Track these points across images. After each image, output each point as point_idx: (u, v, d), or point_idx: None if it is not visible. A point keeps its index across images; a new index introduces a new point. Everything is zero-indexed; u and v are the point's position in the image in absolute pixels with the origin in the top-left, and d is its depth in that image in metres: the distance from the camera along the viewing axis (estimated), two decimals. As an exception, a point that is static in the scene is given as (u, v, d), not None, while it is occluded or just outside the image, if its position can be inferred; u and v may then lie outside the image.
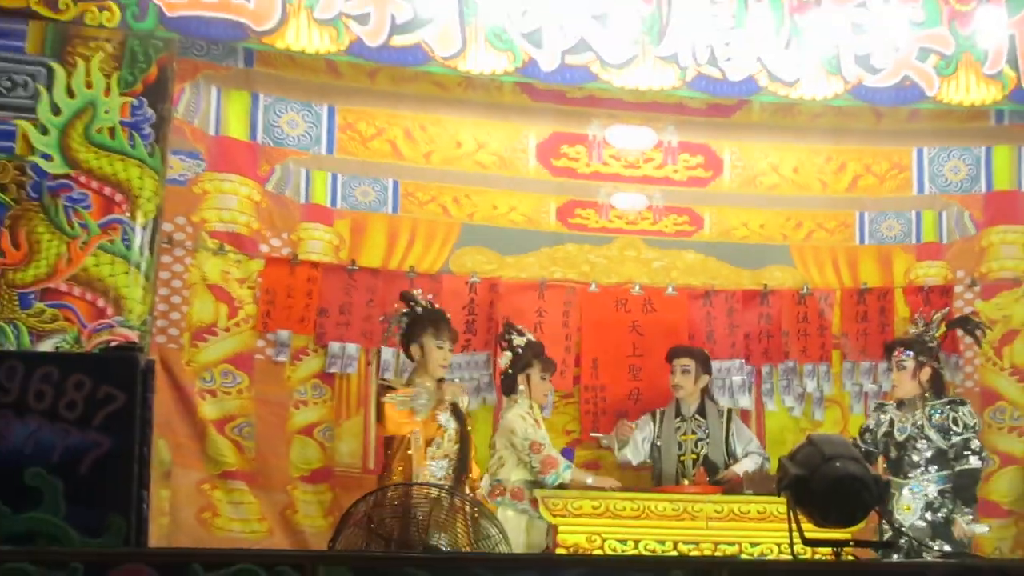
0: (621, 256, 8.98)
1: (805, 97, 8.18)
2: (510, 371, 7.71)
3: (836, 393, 8.64)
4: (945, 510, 7.36)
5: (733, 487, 7.57)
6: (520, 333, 7.84)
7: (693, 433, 8.06)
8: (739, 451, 8.03)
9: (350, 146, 8.60)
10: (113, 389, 4.09)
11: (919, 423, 7.54)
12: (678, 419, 8.08)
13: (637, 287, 8.87)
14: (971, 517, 7.50)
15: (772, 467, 7.73)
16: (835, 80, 8.10)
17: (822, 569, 3.98)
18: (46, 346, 6.84)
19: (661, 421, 8.08)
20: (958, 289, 8.91)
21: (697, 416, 8.11)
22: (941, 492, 7.35)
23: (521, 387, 7.69)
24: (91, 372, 4.11)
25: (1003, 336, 8.82)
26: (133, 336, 6.94)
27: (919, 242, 9.12)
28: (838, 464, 4.11)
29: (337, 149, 8.56)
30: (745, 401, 8.83)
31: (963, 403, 7.85)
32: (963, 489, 7.48)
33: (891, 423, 7.59)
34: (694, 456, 8.00)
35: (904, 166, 9.15)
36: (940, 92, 8.16)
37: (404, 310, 7.56)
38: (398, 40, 7.56)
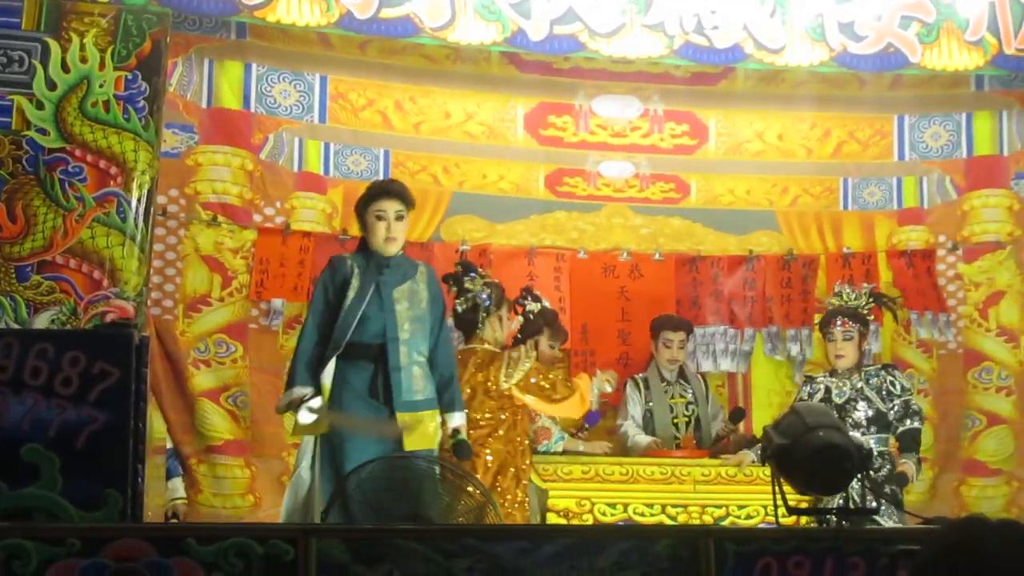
0: (609, 223, 8.96)
1: (791, 64, 8.17)
2: (519, 336, 7.68)
3: (819, 356, 8.61)
4: (885, 470, 7.36)
5: (723, 448, 7.61)
6: (536, 299, 7.77)
7: (682, 397, 8.07)
8: (711, 412, 8.07)
9: (342, 116, 8.58)
10: (108, 365, 4.08)
11: (857, 386, 7.52)
12: (663, 383, 8.09)
13: (625, 254, 8.87)
14: (911, 462, 7.47)
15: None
16: (820, 47, 8.08)
17: (806, 536, 3.99)
18: (43, 318, 6.84)
19: (647, 386, 8.08)
20: (940, 253, 8.90)
21: (681, 380, 8.12)
22: (880, 454, 7.33)
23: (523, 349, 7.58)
24: (86, 348, 4.10)
25: (987, 298, 8.85)
26: (129, 307, 6.93)
27: (900, 207, 9.11)
28: (821, 433, 4.11)
29: (329, 119, 8.54)
30: (727, 365, 8.83)
31: (895, 367, 7.90)
32: (909, 446, 7.47)
33: (827, 390, 7.55)
34: (686, 419, 8.01)
35: (886, 132, 9.15)
36: (923, 58, 8.14)
37: (527, 309, 7.64)
38: (387, 12, 7.52)
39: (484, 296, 7.14)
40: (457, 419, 6.23)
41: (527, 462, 7.04)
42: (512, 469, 6.90)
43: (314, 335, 6.13)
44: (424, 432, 6.04)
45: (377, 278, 6.17)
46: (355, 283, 6.17)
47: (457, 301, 7.14)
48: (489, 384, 6.96)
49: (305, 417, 5.96)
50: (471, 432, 6.58)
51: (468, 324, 7.15)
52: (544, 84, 8.77)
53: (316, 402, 5.97)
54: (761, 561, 3.78)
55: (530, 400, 7.03)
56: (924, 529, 4.42)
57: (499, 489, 6.71)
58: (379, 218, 6.20)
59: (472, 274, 7.21)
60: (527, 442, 7.11)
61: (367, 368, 6.09)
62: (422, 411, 6.09)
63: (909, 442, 7.45)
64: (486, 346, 7.12)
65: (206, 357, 8.03)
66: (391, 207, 6.20)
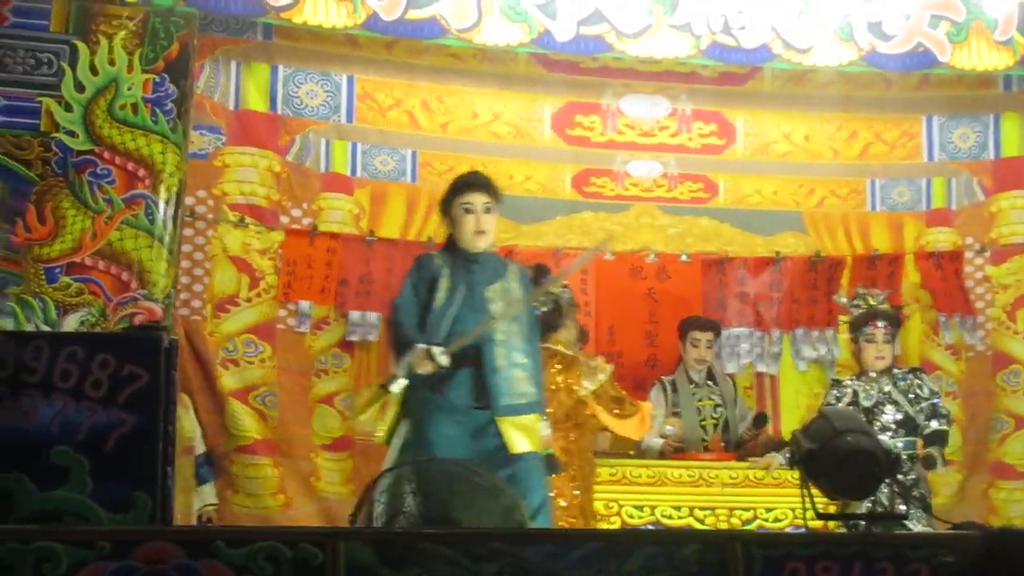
0: (637, 223, 8.95)
1: (819, 64, 8.14)
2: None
3: (846, 357, 8.57)
4: (913, 474, 7.33)
5: (750, 450, 7.59)
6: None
7: (710, 399, 8.05)
8: (739, 414, 8.06)
9: (369, 116, 8.58)
10: (137, 368, 4.09)
11: (885, 390, 7.48)
12: (691, 386, 8.07)
13: (652, 255, 8.86)
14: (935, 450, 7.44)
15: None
16: (848, 47, 8.05)
17: (834, 540, 3.99)
18: (72, 319, 6.87)
19: (675, 390, 8.06)
20: (968, 255, 8.88)
21: (709, 383, 8.11)
22: (909, 457, 7.30)
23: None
24: (116, 351, 4.11)
25: (1015, 300, 8.82)
26: (157, 309, 6.97)
27: (929, 209, 9.09)
28: (849, 438, 4.12)
29: (356, 119, 8.55)
30: (761, 366, 8.84)
31: (923, 371, 7.87)
32: (933, 442, 7.42)
33: (854, 393, 7.51)
34: (714, 421, 8.00)
35: (914, 133, 9.12)
36: (952, 58, 8.10)
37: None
38: (414, 13, 7.53)
39: (567, 298, 7.16)
40: (544, 428, 6.00)
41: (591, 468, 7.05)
42: (573, 472, 6.89)
43: (414, 316, 5.86)
44: (533, 434, 5.84)
45: (467, 277, 5.94)
46: (444, 283, 5.93)
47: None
48: (573, 387, 6.96)
49: (445, 360, 5.69)
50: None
51: (547, 326, 7.01)
52: (571, 83, 8.77)
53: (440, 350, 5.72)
54: (789, 566, 3.77)
55: (599, 411, 7.01)
56: (953, 535, 4.41)
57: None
58: (467, 211, 5.97)
59: (550, 275, 7.17)
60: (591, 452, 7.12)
61: (464, 371, 5.83)
62: (524, 415, 5.85)
63: (934, 439, 7.41)
64: (561, 348, 7.11)
65: (234, 357, 8.05)
66: (478, 199, 5.99)
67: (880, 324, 7.52)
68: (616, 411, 7.05)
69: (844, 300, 8.02)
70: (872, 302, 7.69)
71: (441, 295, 5.89)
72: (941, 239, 9.00)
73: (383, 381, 5.92)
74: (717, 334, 8.24)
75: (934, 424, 7.43)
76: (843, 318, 8.42)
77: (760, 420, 7.84)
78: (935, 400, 7.50)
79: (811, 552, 3.81)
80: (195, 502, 7.54)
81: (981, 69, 8.17)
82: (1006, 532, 2.45)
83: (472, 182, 6.13)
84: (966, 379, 8.89)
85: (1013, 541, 2.38)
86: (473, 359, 5.83)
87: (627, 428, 7.18)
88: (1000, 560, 2.35)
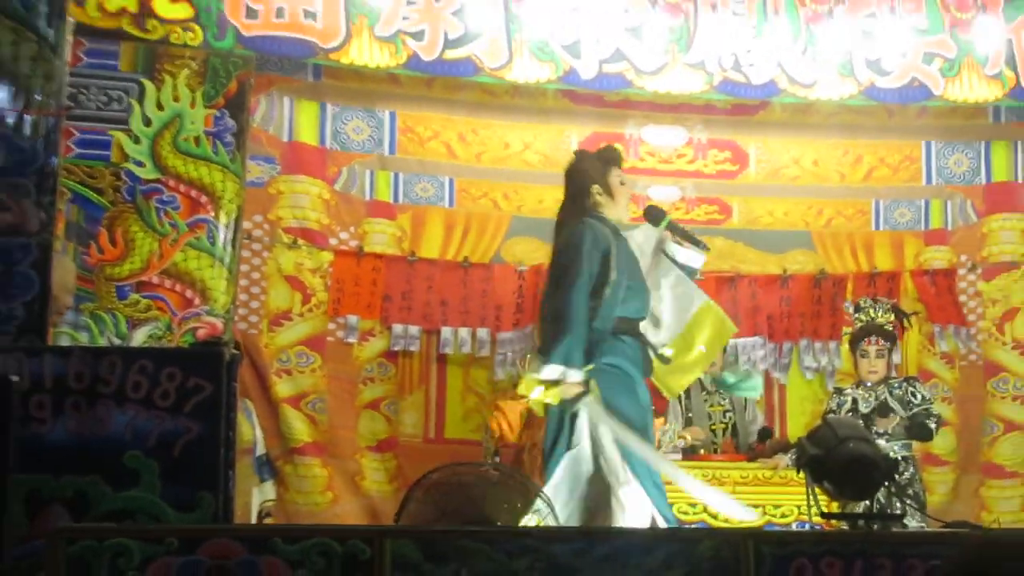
0: (658, 244, 8.97)
1: (822, 98, 8.17)
2: None
3: (847, 367, 8.59)
4: (908, 474, 7.33)
5: (759, 454, 7.59)
6: None
7: (720, 405, 8.07)
8: (748, 418, 8.07)
9: (410, 147, 8.64)
10: (201, 380, 4.12)
11: (881, 397, 7.49)
12: (703, 392, 8.09)
13: (672, 273, 8.88)
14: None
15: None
16: (849, 82, 8.09)
17: (837, 539, 4.01)
18: (141, 333, 6.94)
19: (688, 396, 8.07)
20: (962, 272, 8.90)
21: (720, 390, 8.12)
22: (904, 459, 7.31)
23: None
24: (182, 365, 4.15)
25: (1004, 314, 8.84)
26: (218, 323, 7.03)
27: (928, 228, 9.10)
28: (851, 445, 4.13)
29: (398, 150, 8.61)
30: (772, 373, 8.90)
31: (917, 379, 7.88)
32: (917, 428, 7.42)
33: (854, 401, 7.53)
34: (723, 426, 8.01)
35: (915, 158, 9.12)
36: (945, 91, 8.13)
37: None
38: (450, 54, 7.59)
39: None
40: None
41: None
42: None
43: (586, 308, 5.25)
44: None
45: (625, 252, 5.46)
46: (615, 252, 5.39)
47: None
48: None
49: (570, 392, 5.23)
50: None
51: None
52: (596, 115, 8.78)
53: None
54: (796, 562, 3.78)
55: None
56: (945, 532, 4.43)
57: None
58: (622, 183, 5.57)
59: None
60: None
61: (633, 345, 5.42)
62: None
63: (915, 424, 7.40)
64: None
65: (287, 367, 8.12)
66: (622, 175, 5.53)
67: (872, 340, 7.55)
68: None
69: (850, 309, 8.04)
70: (873, 314, 7.69)
71: (615, 266, 5.39)
72: (938, 257, 9.01)
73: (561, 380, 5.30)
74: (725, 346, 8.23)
75: (922, 419, 7.44)
76: (847, 329, 8.43)
77: (764, 434, 7.83)
78: (927, 406, 7.51)
79: (816, 550, 3.82)
80: (257, 498, 7.62)
81: (972, 101, 8.20)
82: (988, 543, 2.45)
83: (622, 157, 5.63)
84: (960, 386, 8.91)
85: (994, 552, 2.39)
86: (637, 332, 5.48)
87: None
88: (982, 571, 2.36)
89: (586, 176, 5.54)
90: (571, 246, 5.38)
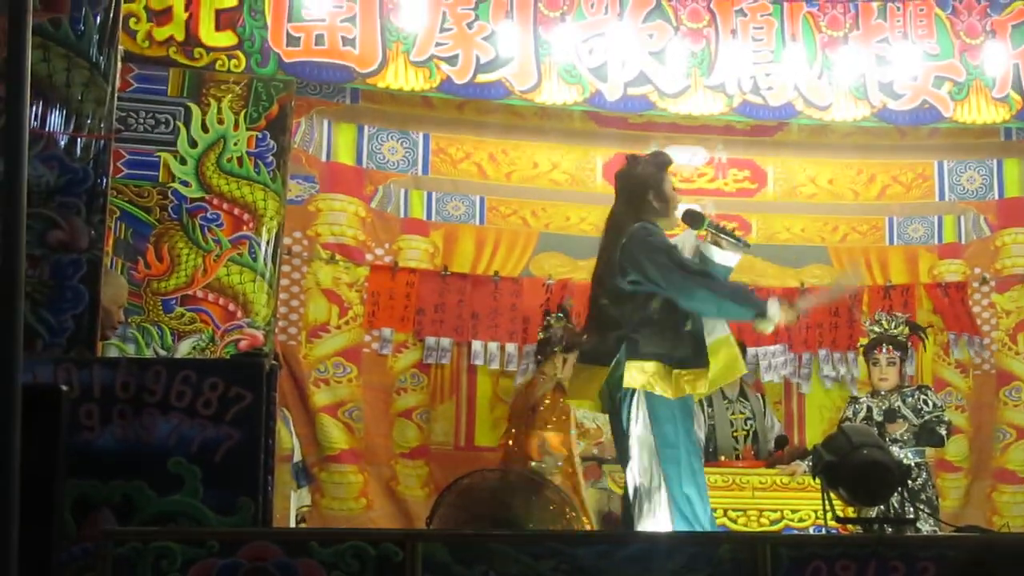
0: (680, 259, 8.94)
1: (836, 119, 8.18)
2: (537, 356, 7.77)
3: (864, 376, 8.54)
4: (921, 479, 7.28)
5: (778, 460, 7.56)
6: (560, 319, 7.82)
7: (741, 413, 8.03)
8: (768, 425, 8.03)
9: (442, 167, 8.65)
10: (242, 389, 4.14)
11: (895, 406, 7.45)
12: (725, 401, 8.05)
13: (695, 286, 8.84)
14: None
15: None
16: (862, 105, 8.08)
17: (851, 542, 3.98)
18: (186, 344, 6.96)
19: (711, 404, 8.03)
20: (975, 284, 8.84)
21: (741, 398, 8.09)
22: (917, 464, 7.26)
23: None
24: (224, 375, 4.17)
25: (1017, 324, 8.75)
26: (259, 335, 7.04)
27: (941, 243, 9.04)
28: (865, 452, 4.12)
29: (431, 170, 8.61)
30: (794, 381, 8.88)
31: (930, 388, 7.84)
32: (927, 434, 7.37)
33: (868, 409, 7.51)
34: (744, 433, 7.97)
35: (927, 176, 9.07)
36: (955, 113, 8.12)
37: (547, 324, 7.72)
38: (482, 77, 7.61)
39: (559, 334, 7.19)
40: None
41: None
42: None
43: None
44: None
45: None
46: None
47: (540, 331, 7.16)
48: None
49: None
50: None
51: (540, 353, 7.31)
52: (620, 136, 8.74)
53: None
54: (812, 564, 3.77)
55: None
56: (956, 536, 4.39)
57: None
58: (676, 189, 5.56)
59: (560, 315, 7.20)
60: None
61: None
62: None
63: (925, 431, 7.36)
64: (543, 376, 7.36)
65: (325, 377, 8.12)
66: None
67: (884, 350, 7.53)
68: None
69: (866, 322, 8.01)
70: (885, 326, 7.67)
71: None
72: (952, 270, 8.95)
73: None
74: (744, 354, 8.19)
75: (933, 425, 7.40)
76: (863, 340, 8.39)
77: (780, 442, 7.78)
78: (938, 413, 7.47)
79: (831, 552, 3.80)
80: (294, 503, 7.62)
81: (981, 123, 8.19)
82: (987, 547, 2.43)
83: (672, 162, 5.51)
84: (973, 394, 8.84)
85: (992, 556, 2.36)
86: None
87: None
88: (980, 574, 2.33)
89: (646, 180, 5.44)
90: (646, 241, 5.29)
